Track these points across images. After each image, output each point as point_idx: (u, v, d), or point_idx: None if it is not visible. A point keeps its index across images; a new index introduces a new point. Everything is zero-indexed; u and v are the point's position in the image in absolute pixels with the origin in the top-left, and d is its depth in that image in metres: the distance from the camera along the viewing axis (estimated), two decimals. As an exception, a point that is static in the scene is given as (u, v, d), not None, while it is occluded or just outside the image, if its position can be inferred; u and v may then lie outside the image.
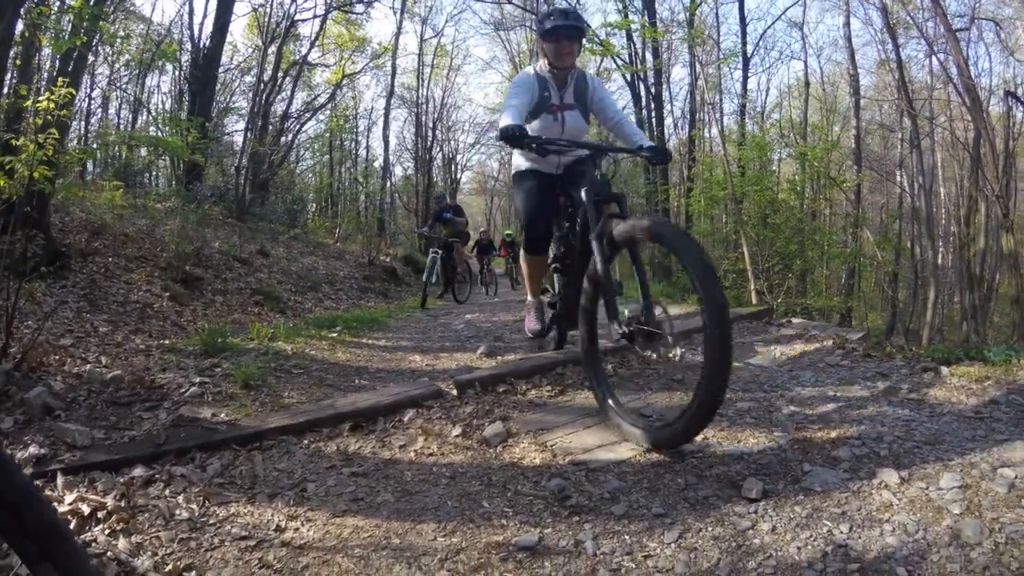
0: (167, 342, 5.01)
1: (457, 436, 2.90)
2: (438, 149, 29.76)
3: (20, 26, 5.44)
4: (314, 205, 25.64)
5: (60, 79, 4.99)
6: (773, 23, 30.08)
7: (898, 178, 18.06)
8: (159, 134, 14.77)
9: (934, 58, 12.88)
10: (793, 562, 1.77)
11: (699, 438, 2.64)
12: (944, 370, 3.37)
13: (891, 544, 1.80)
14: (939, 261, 17.26)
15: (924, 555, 1.74)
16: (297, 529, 2.10)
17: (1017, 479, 2.07)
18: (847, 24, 17.10)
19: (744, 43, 16.02)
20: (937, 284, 13.82)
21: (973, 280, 10.19)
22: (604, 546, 1.91)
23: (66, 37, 6.02)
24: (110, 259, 7.07)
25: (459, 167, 35.85)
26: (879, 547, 1.79)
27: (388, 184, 28.59)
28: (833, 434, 2.62)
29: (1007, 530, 1.79)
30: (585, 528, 2.02)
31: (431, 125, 28.99)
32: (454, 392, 3.50)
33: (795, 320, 5.43)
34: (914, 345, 4.37)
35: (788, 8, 33.36)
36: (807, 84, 23.68)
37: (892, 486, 2.11)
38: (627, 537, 1.95)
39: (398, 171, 31.86)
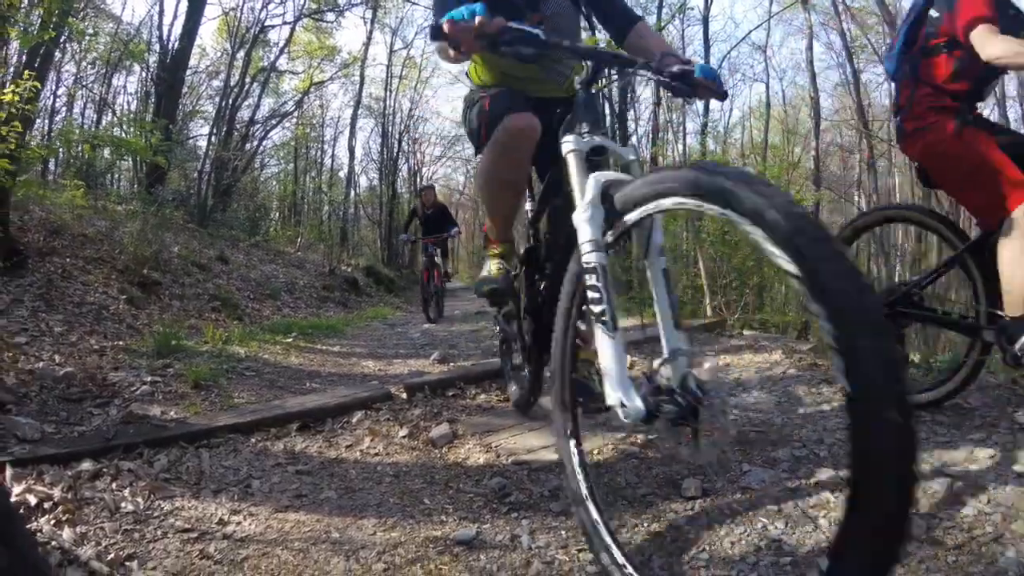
0: (121, 343, 4.95)
1: (404, 437, 2.92)
2: (404, 160, 29.63)
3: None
4: (277, 213, 25.33)
5: (26, 72, 4.92)
6: (736, 45, 30.51)
7: (856, 198, 18.48)
8: (123, 135, 14.53)
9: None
10: (726, 556, 1.82)
11: (639, 440, 2.71)
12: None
13: (826, 539, 1.84)
14: (896, 278, 17.67)
15: (859, 549, 1.79)
16: (239, 523, 2.11)
17: (956, 479, 2.14)
18: (809, 48, 17.51)
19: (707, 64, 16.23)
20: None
21: (924, 295, 10.44)
22: (540, 540, 1.95)
23: (35, 31, 5.93)
24: (68, 259, 6.95)
25: (424, 179, 35.79)
26: (813, 542, 1.84)
27: (352, 194, 28.44)
28: (774, 436, 2.69)
29: (943, 525, 1.86)
30: (523, 523, 2.06)
31: (398, 136, 28.88)
32: (403, 395, 3.53)
33: (747, 332, 5.54)
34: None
35: (751, 31, 33.87)
36: (768, 105, 24.16)
37: (830, 485, 2.17)
38: (563, 532, 2.00)
39: (363, 181, 31.71)
